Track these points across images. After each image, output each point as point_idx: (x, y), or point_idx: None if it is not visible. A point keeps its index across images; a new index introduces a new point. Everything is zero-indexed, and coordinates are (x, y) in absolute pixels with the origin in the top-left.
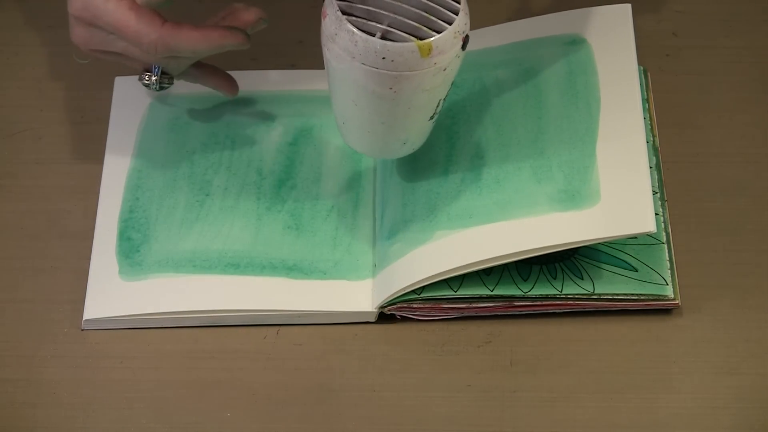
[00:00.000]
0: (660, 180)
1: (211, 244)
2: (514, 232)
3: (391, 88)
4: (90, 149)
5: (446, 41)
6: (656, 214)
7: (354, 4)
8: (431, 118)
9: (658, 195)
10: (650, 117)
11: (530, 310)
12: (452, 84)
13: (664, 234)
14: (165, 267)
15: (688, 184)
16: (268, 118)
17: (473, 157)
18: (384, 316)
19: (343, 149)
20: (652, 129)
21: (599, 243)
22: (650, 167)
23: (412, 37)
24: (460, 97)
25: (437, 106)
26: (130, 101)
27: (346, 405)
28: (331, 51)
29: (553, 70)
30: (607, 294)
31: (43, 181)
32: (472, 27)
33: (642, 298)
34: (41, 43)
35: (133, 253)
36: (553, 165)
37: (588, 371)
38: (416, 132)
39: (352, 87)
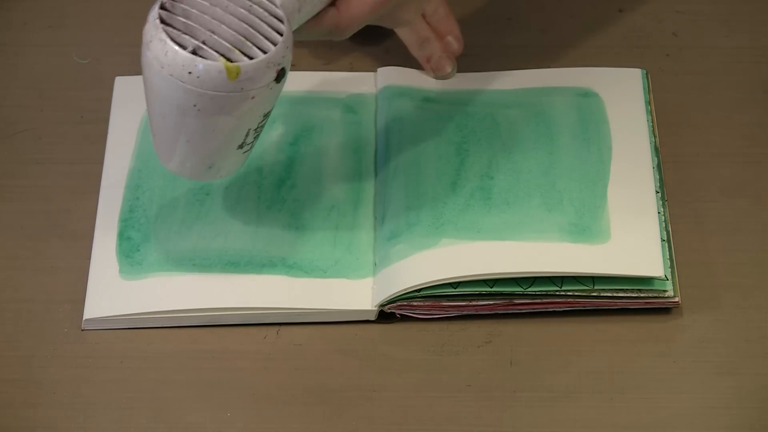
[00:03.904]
0: (660, 180)
1: (211, 242)
2: (524, 252)
3: (194, 105)
4: (90, 149)
5: (257, 69)
6: (657, 212)
7: (175, 16)
8: (241, 147)
9: (659, 195)
10: (651, 117)
11: (530, 308)
12: (267, 118)
13: (664, 233)
14: (165, 266)
15: (688, 184)
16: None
17: (483, 176)
18: (384, 316)
19: (344, 149)
20: (652, 129)
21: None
22: (652, 167)
23: (222, 58)
24: (471, 122)
25: (246, 136)
26: (130, 101)
27: (346, 405)
28: (144, 57)
29: (565, 115)
30: (607, 291)
31: (43, 181)
32: (487, 66)
33: (642, 295)
34: (41, 43)
35: (133, 252)
36: (564, 198)
37: (588, 371)
38: (223, 159)
39: (160, 98)
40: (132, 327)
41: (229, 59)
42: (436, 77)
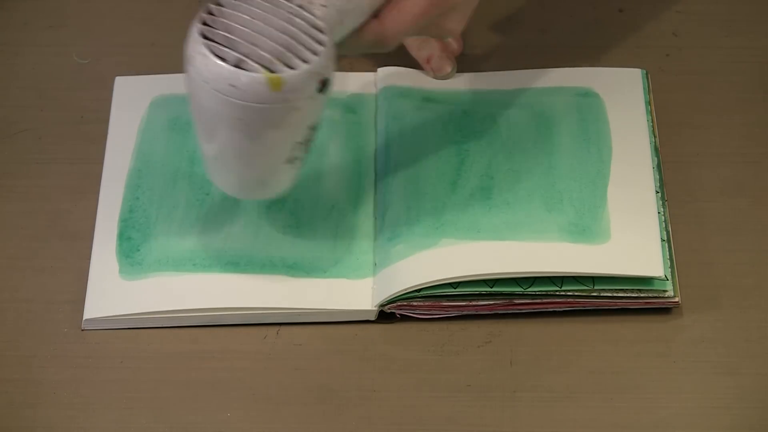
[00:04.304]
0: (660, 180)
1: (211, 242)
2: (524, 252)
3: (240, 119)
4: (90, 149)
5: (300, 79)
6: (657, 212)
7: (216, 30)
8: (289, 162)
9: (659, 195)
10: (651, 117)
11: (530, 308)
12: (315, 132)
13: (664, 233)
14: (165, 266)
15: (688, 184)
16: None
17: (483, 176)
18: (384, 316)
19: (344, 149)
20: (652, 129)
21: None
22: (652, 167)
23: (264, 69)
24: (471, 122)
25: (293, 149)
26: (130, 101)
27: (346, 405)
28: (187, 73)
29: (565, 115)
30: (607, 291)
31: (43, 181)
32: (487, 66)
33: (642, 295)
34: (41, 43)
35: (133, 252)
36: (564, 198)
37: (588, 371)
38: (273, 174)
39: (206, 114)
40: (132, 327)
41: (271, 71)
42: (436, 77)
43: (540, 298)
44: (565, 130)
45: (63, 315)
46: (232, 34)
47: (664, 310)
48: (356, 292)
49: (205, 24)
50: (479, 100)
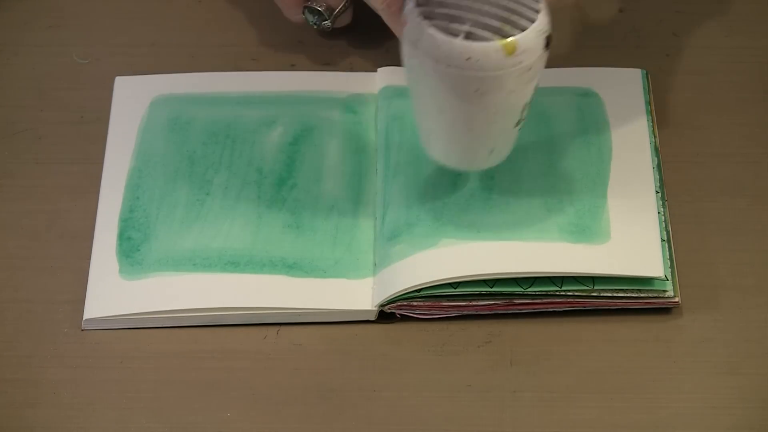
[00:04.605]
0: (660, 180)
1: (211, 242)
2: (524, 252)
3: (477, 90)
4: (90, 149)
5: (530, 39)
6: (657, 212)
7: (434, 9)
8: (517, 124)
9: (659, 195)
10: (651, 117)
11: (530, 308)
12: (536, 90)
13: (664, 233)
14: (165, 266)
15: (688, 184)
16: (268, 118)
17: (483, 176)
18: (384, 316)
19: (344, 149)
20: (652, 129)
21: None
22: (652, 167)
23: (496, 36)
24: None
25: (522, 110)
26: (130, 101)
27: (346, 405)
28: (414, 57)
29: (565, 115)
30: (607, 291)
31: (43, 181)
32: None
33: (642, 295)
34: (41, 43)
35: (133, 252)
36: (564, 199)
37: (588, 371)
38: (503, 139)
39: (438, 93)
40: (132, 327)
41: (501, 37)
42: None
43: (540, 298)
44: (565, 130)
45: (63, 315)
46: (451, 9)
47: (664, 310)
48: (356, 292)
49: (419, 5)
50: None
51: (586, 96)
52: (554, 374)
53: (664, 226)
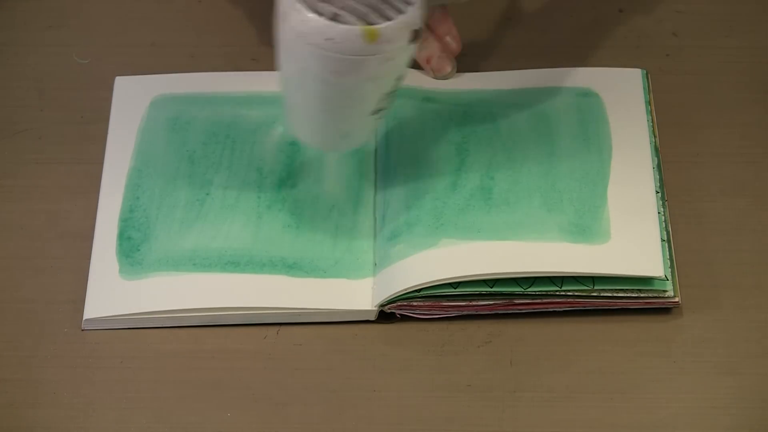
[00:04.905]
0: (660, 180)
1: (211, 242)
2: (524, 252)
3: (335, 72)
4: (90, 149)
5: (394, 30)
6: (657, 212)
7: None
8: (375, 113)
9: (659, 195)
10: (651, 117)
11: (530, 308)
12: (400, 82)
13: (664, 233)
14: (165, 266)
15: (688, 184)
16: (268, 118)
17: (483, 176)
18: (384, 316)
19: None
20: (652, 129)
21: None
22: (652, 167)
23: (361, 22)
24: (471, 122)
25: (381, 100)
26: (130, 101)
27: (346, 405)
28: (281, 30)
29: (565, 115)
30: (607, 291)
31: (43, 181)
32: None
33: (642, 295)
34: (41, 43)
35: (133, 252)
36: (564, 198)
37: (588, 371)
38: (358, 126)
39: (298, 68)
40: (132, 327)
41: (367, 23)
42: (436, 77)
43: (540, 298)
44: (565, 130)
45: (63, 315)
46: None
47: (664, 310)
48: (356, 292)
49: None
50: (479, 100)
51: (586, 96)
52: (554, 374)
53: (664, 226)
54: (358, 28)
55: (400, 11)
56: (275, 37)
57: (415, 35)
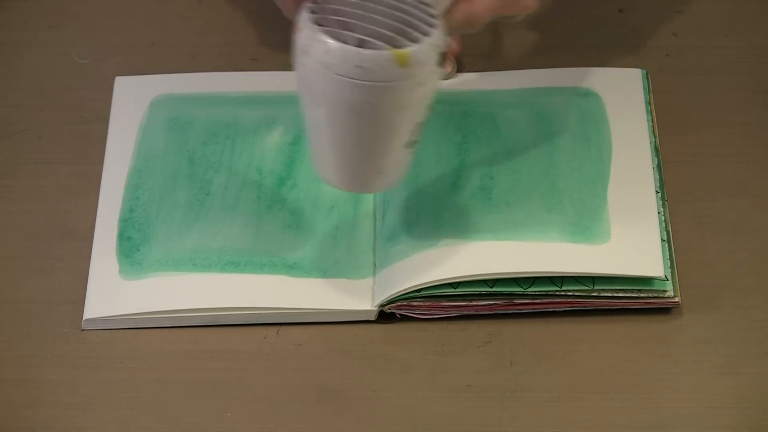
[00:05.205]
0: (660, 180)
1: (211, 242)
2: (524, 252)
3: (367, 102)
4: (90, 149)
5: (424, 52)
6: (657, 212)
7: (328, 17)
8: (408, 146)
9: (659, 195)
10: (651, 117)
11: (530, 308)
12: (428, 112)
13: (664, 233)
14: (165, 266)
15: (688, 184)
16: (268, 118)
17: (483, 176)
18: (384, 316)
19: None
20: (652, 129)
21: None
22: (652, 167)
23: (388, 46)
24: (471, 122)
25: (413, 131)
26: (130, 101)
27: (346, 405)
28: (304, 65)
29: (565, 115)
30: (607, 291)
31: (43, 181)
32: (487, 66)
33: (642, 295)
34: (41, 43)
35: (133, 252)
36: (564, 199)
37: (588, 371)
38: (393, 160)
39: (327, 103)
40: (132, 327)
41: (394, 47)
42: None
43: (540, 298)
44: (565, 130)
45: (63, 315)
46: (345, 18)
47: (664, 310)
48: (356, 292)
49: (313, 12)
50: (479, 100)
51: (586, 96)
52: (554, 374)
53: (664, 226)
54: (387, 53)
55: (426, 34)
56: (297, 78)
57: (441, 58)
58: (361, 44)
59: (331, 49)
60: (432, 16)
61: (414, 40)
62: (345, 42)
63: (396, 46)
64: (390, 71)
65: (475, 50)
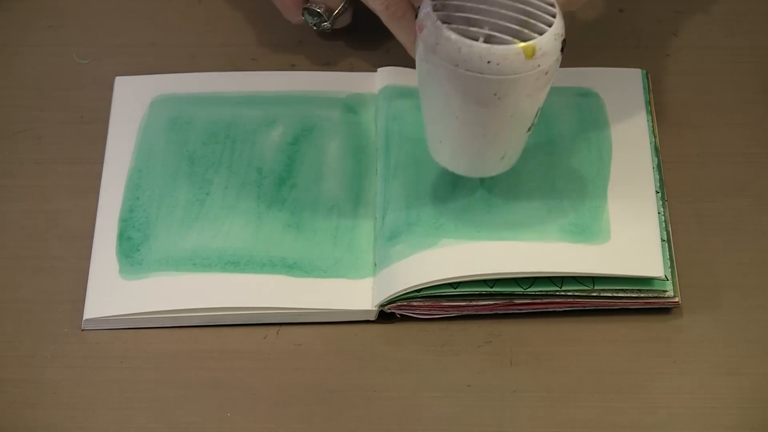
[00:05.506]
0: (660, 180)
1: (211, 242)
2: (524, 252)
3: (495, 94)
4: (90, 149)
5: (548, 42)
6: (657, 212)
7: (452, 14)
8: (529, 129)
9: (659, 195)
10: (651, 117)
11: (530, 308)
12: (548, 92)
13: (664, 233)
14: (165, 266)
15: (688, 184)
16: (268, 118)
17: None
18: (384, 316)
19: (344, 149)
20: (652, 129)
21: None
22: (652, 167)
23: (515, 40)
24: None
25: (535, 116)
26: (130, 101)
27: (346, 405)
28: (431, 62)
29: (565, 115)
30: (607, 292)
31: (43, 181)
32: None
33: (642, 295)
34: (41, 43)
35: (133, 252)
36: (564, 198)
37: (588, 371)
38: (515, 144)
39: (454, 98)
40: (132, 327)
41: (520, 40)
42: None
43: (540, 298)
44: (565, 130)
45: (63, 315)
46: (470, 13)
47: (664, 310)
48: (356, 292)
49: (436, 10)
50: None
51: (586, 96)
52: (554, 374)
53: (664, 226)
54: (517, 47)
55: (548, 23)
56: (419, 72)
57: (564, 44)
58: (488, 39)
59: (460, 47)
60: (552, 5)
61: (538, 32)
62: (471, 38)
63: (522, 39)
64: (519, 64)
65: None
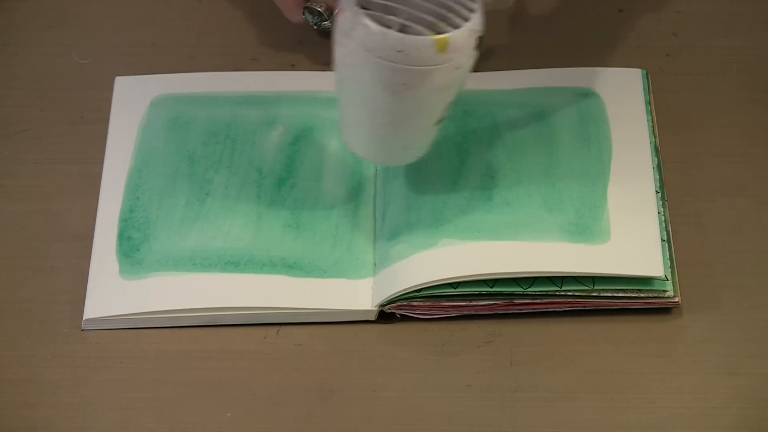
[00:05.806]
0: (660, 180)
1: (211, 242)
2: (523, 252)
3: (404, 84)
4: (90, 149)
5: (462, 38)
6: (657, 212)
7: (371, 0)
8: (437, 123)
9: (659, 195)
10: (651, 117)
11: (530, 308)
12: (461, 88)
13: (664, 233)
14: (165, 266)
15: (688, 184)
16: (268, 118)
17: (483, 175)
18: (384, 316)
19: (344, 149)
20: (652, 129)
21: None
22: (652, 167)
23: (429, 32)
24: (471, 122)
25: (445, 110)
26: (130, 101)
27: (346, 405)
28: (345, 47)
29: (565, 115)
30: (607, 291)
31: (43, 181)
32: (487, 66)
33: (642, 295)
34: (41, 43)
35: (133, 252)
36: (564, 198)
37: (588, 371)
38: (421, 137)
39: (365, 85)
40: (132, 327)
41: (435, 32)
42: None
43: (540, 298)
44: (565, 130)
45: (63, 315)
46: (387, 1)
47: (664, 310)
48: (356, 292)
49: None
50: (479, 100)
51: (586, 96)
52: (554, 374)
53: (664, 226)
54: (429, 39)
55: (465, 18)
56: (335, 55)
57: (480, 41)
58: (402, 29)
59: (373, 33)
60: (472, 0)
61: (454, 25)
62: (387, 26)
63: (437, 32)
64: (429, 56)
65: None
